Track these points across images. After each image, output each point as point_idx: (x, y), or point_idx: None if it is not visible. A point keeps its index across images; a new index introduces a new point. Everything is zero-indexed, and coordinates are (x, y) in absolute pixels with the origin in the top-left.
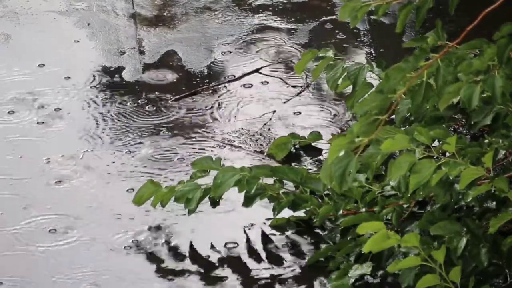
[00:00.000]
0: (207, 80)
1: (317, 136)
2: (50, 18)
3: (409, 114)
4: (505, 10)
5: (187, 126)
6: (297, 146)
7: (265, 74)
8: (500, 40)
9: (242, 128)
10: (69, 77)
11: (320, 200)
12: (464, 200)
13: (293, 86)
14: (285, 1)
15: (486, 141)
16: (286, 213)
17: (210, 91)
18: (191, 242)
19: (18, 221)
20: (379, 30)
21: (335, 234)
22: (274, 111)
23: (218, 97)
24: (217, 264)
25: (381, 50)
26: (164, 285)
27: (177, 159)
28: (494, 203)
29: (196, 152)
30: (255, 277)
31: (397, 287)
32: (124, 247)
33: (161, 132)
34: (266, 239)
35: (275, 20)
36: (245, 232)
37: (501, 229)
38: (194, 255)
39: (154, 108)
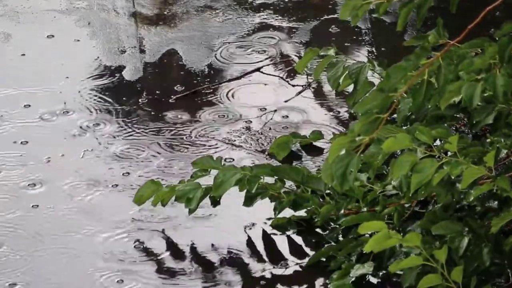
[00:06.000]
0: (208, 79)
1: (318, 135)
2: (51, 17)
3: (410, 113)
4: (506, 10)
5: (187, 125)
6: (298, 145)
7: (266, 73)
8: (502, 39)
9: (243, 127)
10: (69, 77)
11: (321, 200)
12: (466, 199)
13: (294, 85)
14: (286, 0)
15: (488, 140)
16: (287, 212)
17: (211, 90)
18: (191, 242)
19: None
20: (380, 28)
21: (337, 233)
22: (275, 110)
23: (219, 96)
24: (217, 264)
25: (382, 48)
26: (164, 285)
27: (178, 158)
28: (496, 202)
29: (197, 152)
30: (256, 277)
31: (398, 287)
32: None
33: (162, 131)
34: (267, 238)
35: (276, 19)
36: (246, 231)
37: (503, 229)
38: (194, 255)
39: (155, 107)
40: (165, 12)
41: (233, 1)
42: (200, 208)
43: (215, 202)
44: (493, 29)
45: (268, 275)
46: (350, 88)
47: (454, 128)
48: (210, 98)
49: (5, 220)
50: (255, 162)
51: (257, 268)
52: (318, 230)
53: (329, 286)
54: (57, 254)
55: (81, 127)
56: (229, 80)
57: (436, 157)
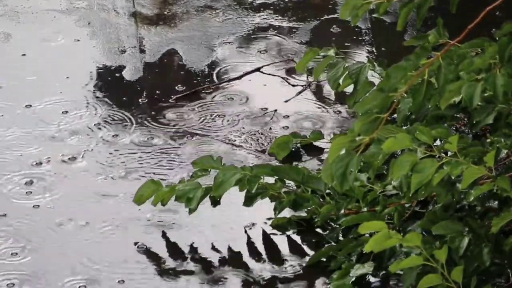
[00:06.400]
0: (208, 79)
1: (318, 135)
2: (51, 17)
3: (410, 113)
4: (506, 10)
5: (187, 125)
6: (298, 145)
7: (266, 73)
8: (502, 39)
9: (243, 127)
10: (69, 77)
11: (321, 200)
12: (466, 199)
13: (294, 85)
14: (286, 0)
15: (488, 140)
16: (287, 212)
17: (211, 90)
18: (191, 242)
19: None
20: (380, 28)
21: (337, 233)
22: (275, 110)
23: (219, 96)
24: (217, 264)
25: (382, 48)
26: (164, 285)
27: (178, 158)
28: (496, 202)
29: (197, 152)
30: (256, 277)
31: (399, 287)
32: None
33: (162, 131)
34: (267, 238)
35: (276, 19)
36: (246, 231)
37: (504, 229)
38: (194, 255)
39: (155, 107)
40: (165, 12)
41: (233, 1)
42: (200, 208)
43: (215, 202)
44: (494, 29)
45: (268, 275)
46: (350, 88)
47: (454, 128)
48: (210, 98)
49: (5, 221)
50: (255, 162)
51: (257, 268)
52: (318, 230)
53: (329, 286)
54: (57, 255)
55: (81, 127)
56: (229, 80)
57: (436, 157)
